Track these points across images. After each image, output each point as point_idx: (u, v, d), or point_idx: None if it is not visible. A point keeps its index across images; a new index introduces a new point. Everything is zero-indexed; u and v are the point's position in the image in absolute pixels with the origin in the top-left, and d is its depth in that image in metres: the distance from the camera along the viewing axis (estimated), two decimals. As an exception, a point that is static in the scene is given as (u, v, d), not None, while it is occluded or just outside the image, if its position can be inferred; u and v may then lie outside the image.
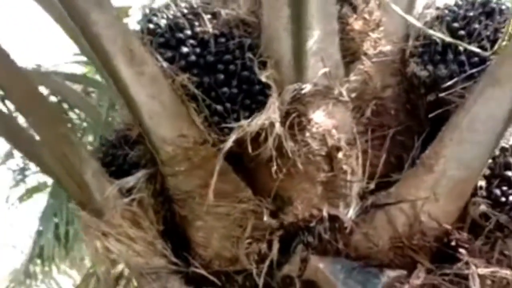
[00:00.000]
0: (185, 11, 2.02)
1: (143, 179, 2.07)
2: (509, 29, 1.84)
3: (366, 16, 2.02)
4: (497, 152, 2.00)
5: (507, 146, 2.03)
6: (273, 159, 1.85)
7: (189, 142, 1.96)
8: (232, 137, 1.84)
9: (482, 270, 1.82)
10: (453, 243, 1.92)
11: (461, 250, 1.89)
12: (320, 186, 1.97)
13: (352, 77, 2.04)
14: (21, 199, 4.02)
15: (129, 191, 2.05)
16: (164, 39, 1.97)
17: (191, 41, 1.95)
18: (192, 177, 1.99)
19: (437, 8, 2.16)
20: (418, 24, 2.01)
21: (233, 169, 2.02)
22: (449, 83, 1.96)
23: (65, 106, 3.40)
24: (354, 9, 2.00)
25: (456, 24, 2.06)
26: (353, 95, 2.04)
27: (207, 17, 2.01)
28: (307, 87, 1.90)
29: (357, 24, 2.00)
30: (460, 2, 2.14)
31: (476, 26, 2.04)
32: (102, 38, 1.89)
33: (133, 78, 1.93)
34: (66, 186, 2.17)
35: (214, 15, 2.03)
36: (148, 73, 1.93)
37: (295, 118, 1.90)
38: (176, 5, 2.05)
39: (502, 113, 1.87)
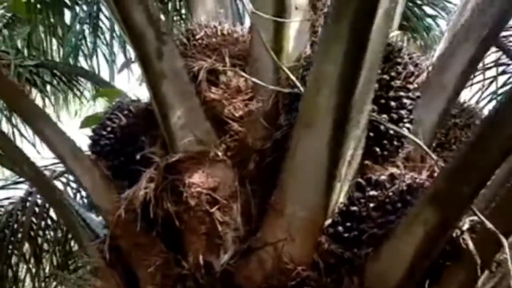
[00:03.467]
0: (113, 112, 2.65)
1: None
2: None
3: (223, 86, 2.32)
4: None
5: (360, 181, 2.02)
6: (138, 221, 2.28)
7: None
8: (122, 206, 2.35)
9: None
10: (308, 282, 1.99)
11: (307, 288, 1.96)
12: (204, 237, 2.29)
13: (227, 139, 2.33)
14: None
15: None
16: (96, 137, 2.63)
17: (109, 135, 2.57)
18: (125, 239, 2.54)
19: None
20: (271, 87, 2.22)
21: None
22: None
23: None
24: (211, 82, 2.33)
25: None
26: (230, 153, 2.33)
27: (124, 113, 2.60)
28: (176, 156, 2.29)
29: (215, 95, 2.32)
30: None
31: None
32: (55, 145, 2.67)
33: (79, 170, 2.63)
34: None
35: (130, 110, 2.61)
36: (86, 165, 2.61)
37: (168, 184, 2.30)
38: (110, 107, 2.70)
39: (321, 152, 1.93)
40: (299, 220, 2.05)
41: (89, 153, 2.60)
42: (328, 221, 2.00)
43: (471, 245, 1.84)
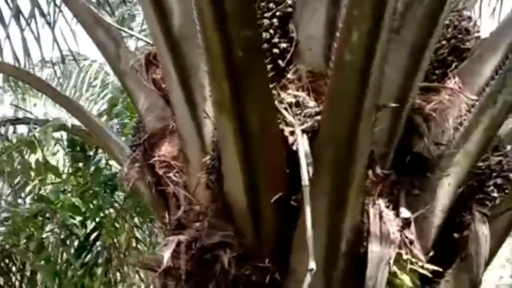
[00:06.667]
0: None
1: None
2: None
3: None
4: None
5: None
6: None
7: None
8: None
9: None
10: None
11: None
12: (172, 197, 2.59)
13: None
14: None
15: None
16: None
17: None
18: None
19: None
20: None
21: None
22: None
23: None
24: (155, 65, 2.69)
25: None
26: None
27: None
28: (145, 135, 2.70)
29: (159, 74, 2.66)
30: None
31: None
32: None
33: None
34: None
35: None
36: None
37: (145, 156, 2.71)
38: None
39: (178, 95, 2.10)
40: (194, 160, 2.22)
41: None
42: (207, 157, 2.11)
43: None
